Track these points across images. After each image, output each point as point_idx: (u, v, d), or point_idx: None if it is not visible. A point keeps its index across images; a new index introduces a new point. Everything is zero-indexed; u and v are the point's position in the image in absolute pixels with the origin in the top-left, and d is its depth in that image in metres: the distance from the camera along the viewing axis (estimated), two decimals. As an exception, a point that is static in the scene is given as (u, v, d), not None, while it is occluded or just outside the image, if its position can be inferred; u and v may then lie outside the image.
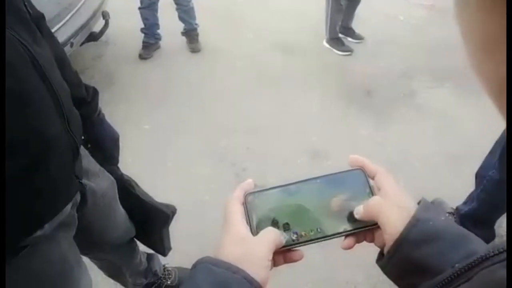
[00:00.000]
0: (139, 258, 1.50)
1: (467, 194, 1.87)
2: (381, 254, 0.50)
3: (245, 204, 0.51)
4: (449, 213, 1.93)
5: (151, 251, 1.50)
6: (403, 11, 3.87)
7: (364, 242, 0.52)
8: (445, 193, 2.02)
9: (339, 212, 0.52)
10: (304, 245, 0.51)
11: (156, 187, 1.55)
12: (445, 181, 2.20)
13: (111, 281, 1.53)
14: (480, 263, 0.37)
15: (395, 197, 0.49)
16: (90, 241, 1.17)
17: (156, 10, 3.20)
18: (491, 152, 1.72)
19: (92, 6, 2.67)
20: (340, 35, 3.39)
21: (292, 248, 0.50)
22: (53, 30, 1.98)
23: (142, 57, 3.27)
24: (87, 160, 1.07)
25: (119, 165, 1.29)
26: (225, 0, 4.00)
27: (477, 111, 2.49)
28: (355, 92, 2.95)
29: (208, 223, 1.76)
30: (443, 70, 3.03)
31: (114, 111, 2.51)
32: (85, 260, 1.13)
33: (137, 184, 1.32)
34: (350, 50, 3.34)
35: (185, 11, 3.25)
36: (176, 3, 3.22)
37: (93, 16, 2.65)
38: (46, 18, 0.95)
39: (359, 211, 0.50)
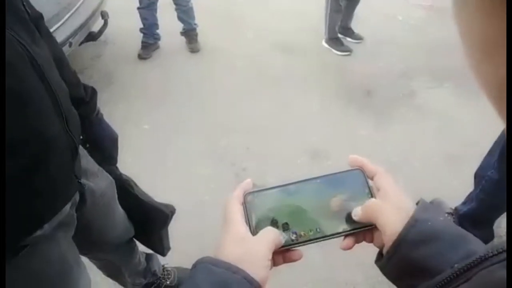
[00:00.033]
0: (138, 258, 1.50)
1: (467, 194, 1.87)
2: (380, 255, 0.50)
3: (245, 204, 0.51)
4: (448, 213, 1.93)
5: (150, 251, 1.50)
6: (402, 11, 3.87)
7: (363, 243, 0.53)
8: (445, 193, 2.02)
9: (338, 212, 0.52)
10: (303, 245, 0.51)
11: (155, 187, 1.55)
12: (445, 181, 2.20)
13: (110, 281, 1.53)
14: (479, 264, 0.37)
15: (394, 197, 0.49)
16: (89, 241, 1.17)
17: (155, 10, 3.20)
18: (490, 152, 1.72)
19: (91, 6, 2.67)
20: (339, 35, 3.38)
21: (292, 248, 0.50)
22: (52, 30, 1.98)
23: (141, 57, 3.26)
24: (86, 160, 1.07)
25: (119, 165, 1.29)
26: (225, 0, 4.00)
27: (477, 111, 2.49)
28: (354, 92, 2.94)
29: (208, 223, 1.76)
30: (442, 70, 3.03)
31: (113, 111, 2.51)
32: (84, 260, 1.13)
33: (136, 184, 1.32)
34: (349, 50, 3.34)
35: (184, 11, 3.25)
36: (175, 3, 3.21)
37: (92, 16, 2.65)
38: (45, 18, 0.95)
39: (357, 213, 0.50)
